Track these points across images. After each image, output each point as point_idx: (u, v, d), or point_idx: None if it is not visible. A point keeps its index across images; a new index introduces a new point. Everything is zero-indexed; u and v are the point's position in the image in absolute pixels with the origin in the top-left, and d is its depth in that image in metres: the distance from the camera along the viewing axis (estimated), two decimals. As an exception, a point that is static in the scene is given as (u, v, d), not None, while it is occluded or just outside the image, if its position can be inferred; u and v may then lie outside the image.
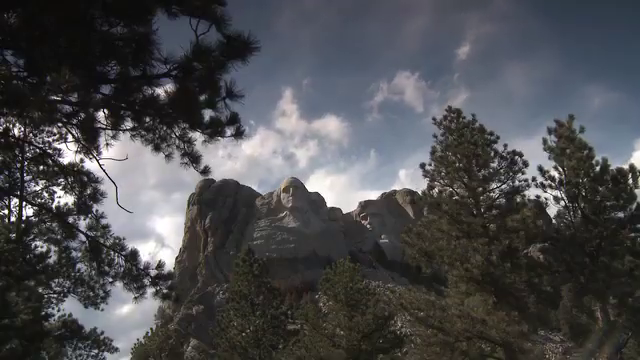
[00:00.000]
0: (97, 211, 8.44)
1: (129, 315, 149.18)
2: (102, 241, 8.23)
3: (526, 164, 16.82)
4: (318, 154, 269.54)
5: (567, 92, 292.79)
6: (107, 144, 6.04)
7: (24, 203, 14.96)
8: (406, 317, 20.73)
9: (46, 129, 12.81)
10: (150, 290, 7.75)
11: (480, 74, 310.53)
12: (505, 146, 16.94)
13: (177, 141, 6.02)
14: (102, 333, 19.00)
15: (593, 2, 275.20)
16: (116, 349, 19.79)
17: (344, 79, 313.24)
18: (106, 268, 8.30)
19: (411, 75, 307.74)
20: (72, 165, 7.72)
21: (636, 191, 16.18)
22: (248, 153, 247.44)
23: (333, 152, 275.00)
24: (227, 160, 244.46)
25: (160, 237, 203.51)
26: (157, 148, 5.95)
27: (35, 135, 13.42)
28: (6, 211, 15.06)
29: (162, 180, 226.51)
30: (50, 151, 11.69)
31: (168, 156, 6.11)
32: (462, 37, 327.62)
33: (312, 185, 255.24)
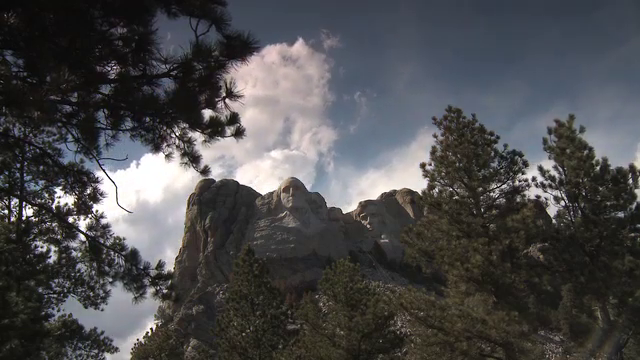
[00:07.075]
0: (97, 211, 8.43)
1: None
2: (102, 241, 8.21)
3: (526, 164, 16.85)
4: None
5: None
6: (107, 144, 6.03)
7: (24, 203, 14.99)
8: (406, 317, 20.72)
9: (46, 129, 12.86)
10: (150, 290, 7.75)
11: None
12: (505, 146, 16.98)
13: (177, 141, 6.02)
14: (102, 333, 19.01)
15: None
16: (116, 349, 19.76)
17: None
18: (106, 268, 8.28)
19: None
20: (72, 165, 7.72)
21: (636, 191, 16.21)
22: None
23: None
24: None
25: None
26: (157, 148, 5.95)
27: (35, 135, 13.46)
28: (6, 211, 15.11)
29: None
30: (50, 151, 11.69)
31: (168, 156, 6.11)
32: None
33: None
